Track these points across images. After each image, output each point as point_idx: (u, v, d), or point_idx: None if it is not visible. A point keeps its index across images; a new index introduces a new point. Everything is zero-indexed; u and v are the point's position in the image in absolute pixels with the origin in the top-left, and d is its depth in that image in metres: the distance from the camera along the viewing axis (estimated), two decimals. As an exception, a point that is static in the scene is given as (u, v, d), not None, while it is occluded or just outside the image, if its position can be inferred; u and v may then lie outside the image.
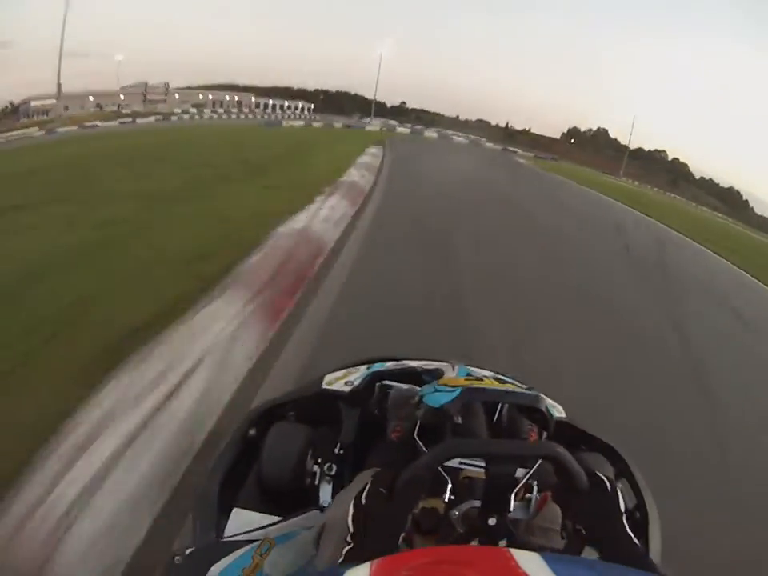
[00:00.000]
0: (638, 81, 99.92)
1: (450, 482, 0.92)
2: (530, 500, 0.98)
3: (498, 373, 1.57)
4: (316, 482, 1.21)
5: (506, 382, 1.34)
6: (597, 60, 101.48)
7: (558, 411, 1.63)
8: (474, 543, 0.88)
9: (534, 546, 0.90)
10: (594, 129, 68.53)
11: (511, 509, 0.90)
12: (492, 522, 0.88)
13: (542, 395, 1.24)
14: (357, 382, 1.44)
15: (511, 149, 46.25)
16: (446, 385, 1.21)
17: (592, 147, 63.08)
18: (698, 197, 52.64)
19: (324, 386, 1.49)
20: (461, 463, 1.09)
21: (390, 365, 1.57)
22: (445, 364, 1.46)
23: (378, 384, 1.43)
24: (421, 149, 26.61)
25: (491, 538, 0.88)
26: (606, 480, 0.88)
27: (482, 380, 1.26)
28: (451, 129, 57.65)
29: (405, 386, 1.39)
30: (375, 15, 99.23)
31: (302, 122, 40.30)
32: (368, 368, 1.56)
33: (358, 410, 1.34)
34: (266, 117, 48.81)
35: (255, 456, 1.30)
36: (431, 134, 50.65)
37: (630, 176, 52.15)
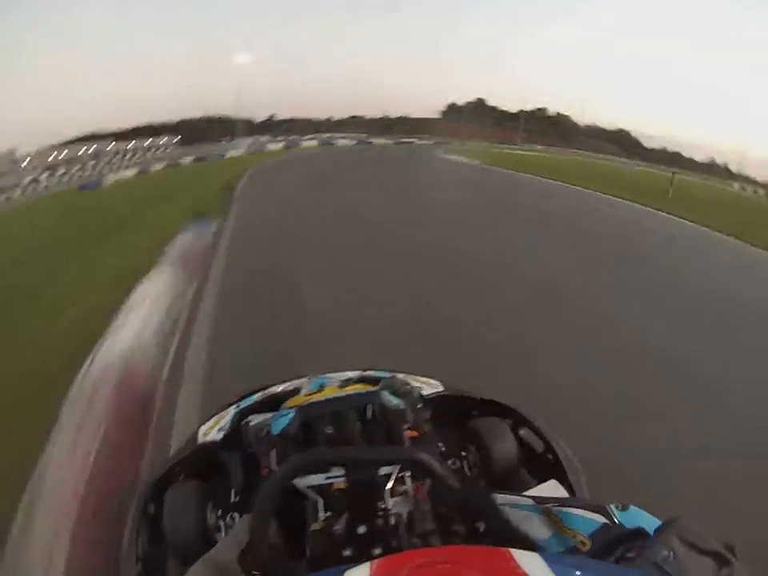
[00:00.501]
0: (503, 48, 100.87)
1: (320, 499, 1.01)
2: (406, 492, 1.02)
3: (364, 370, 1.72)
4: (223, 535, 1.18)
5: (357, 383, 1.47)
6: (462, 34, 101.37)
7: (433, 387, 1.70)
8: (347, 553, 0.91)
9: (416, 543, 0.94)
10: (474, 100, 66.71)
11: (390, 506, 0.97)
12: (362, 530, 0.93)
13: (398, 383, 1.35)
14: (227, 426, 1.47)
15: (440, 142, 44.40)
16: (288, 407, 1.29)
17: (476, 119, 61.24)
18: (600, 147, 52.67)
19: (200, 440, 1.52)
20: (327, 478, 1.09)
21: (256, 396, 1.60)
22: (304, 380, 1.57)
23: (243, 422, 1.38)
24: (299, 180, 17.81)
25: (364, 547, 0.91)
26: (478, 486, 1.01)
27: (323, 389, 1.38)
28: (328, 132, 53.56)
29: (261, 418, 1.32)
30: (226, 29, 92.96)
31: (135, 171, 31.03)
32: (237, 407, 1.58)
33: (238, 453, 1.31)
34: (108, 161, 41.71)
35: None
36: (309, 142, 46.52)
37: (527, 141, 53.08)
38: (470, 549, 0.82)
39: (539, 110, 64.54)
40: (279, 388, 1.62)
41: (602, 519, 1.03)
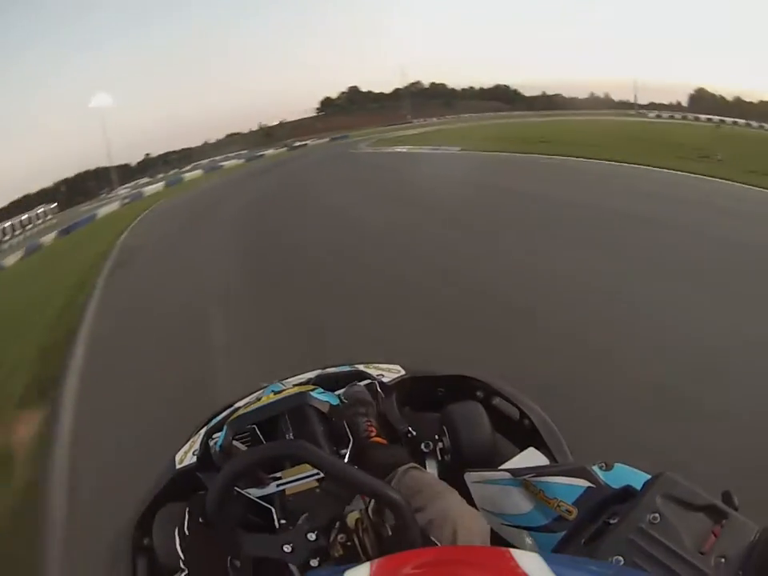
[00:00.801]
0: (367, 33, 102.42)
1: (273, 509, 1.06)
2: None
3: (324, 368, 1.82)
4: None
5: (293, 387, 1.52)
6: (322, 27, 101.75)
7: (394, 372, 1.72)
8: (286, 548, 0.93)
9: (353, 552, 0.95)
10: (347, 89, 66.35)
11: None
12: (311, 537, 0.95)
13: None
14: (198, 449, 1.49)
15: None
16: (231, 420, 1.31)
17: (355, 108, 61.10)
18: (483, 106, 54.18)
19: (177, 466, 1.55)
20: (278, 485, 1.12)
21: (224, 414, 1.61)
22: (260, 390, 1.62)
23: (208, 442, 1.46)
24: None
25: (304, 552, 0.94)
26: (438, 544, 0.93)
27: (260, 399, 1.40)
28: (208, 157, 51.01)
29: (220, 435, 1.37)
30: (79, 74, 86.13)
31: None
32: (206, 428, 1.58)
33: (214, 473, 1.27)
34: None
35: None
36: (192, 173, 38.38)
37: (418, 117, 51.86)
38: (471, 549, 0.87)
39: (413, 84, 65.36)
40: (243, 401, 1.63)
41: (585, 483, 1.05)
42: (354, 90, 67.26)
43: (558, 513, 1.06)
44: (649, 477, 0.93)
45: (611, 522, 0.88)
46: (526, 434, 1.51)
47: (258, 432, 1.32)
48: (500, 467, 1.36)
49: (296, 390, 1.44)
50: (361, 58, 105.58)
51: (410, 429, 1.53)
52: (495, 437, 1.50)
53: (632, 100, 50.26)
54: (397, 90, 62.67)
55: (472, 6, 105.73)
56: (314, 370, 1.81)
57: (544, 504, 1.11)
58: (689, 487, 0.85)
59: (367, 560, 0.88)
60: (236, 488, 1.11)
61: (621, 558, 0.76)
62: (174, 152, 59.93)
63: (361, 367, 1.81)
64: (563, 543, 1.02)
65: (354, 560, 0.93)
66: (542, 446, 1.43)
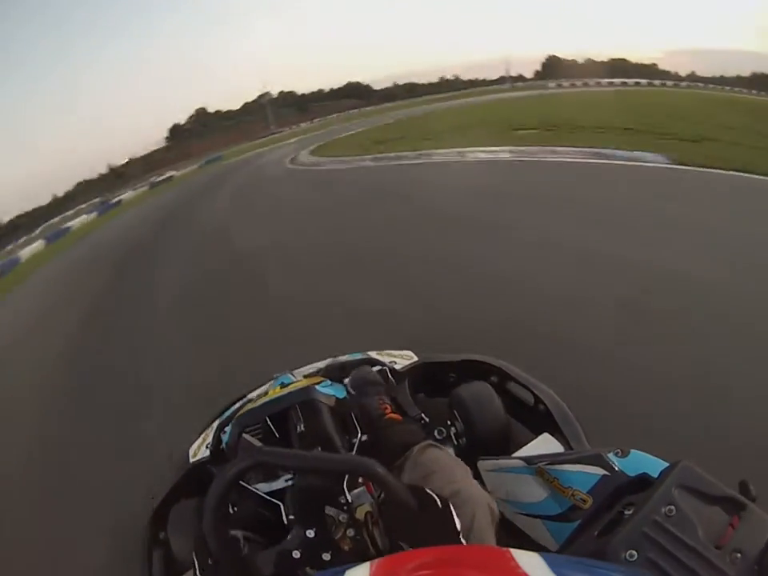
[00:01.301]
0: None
1: (281, 504, 1.04)
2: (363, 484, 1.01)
3: (334, 357, 1.80)
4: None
5: (299, 381, 1.49)
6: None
7: (406, 359, 1.72)
8: (295, 554, 0.91)
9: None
10: (194, 112, 63.28)
11: (351, 500, 0.97)
12: (310, 533, 0.93)
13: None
14: (211, 442, 1.50)
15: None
16: (239, 415, 1.36)
17: (210, 130, 58.59)
18: (339, 105, 54.55)
19: (191, 460, 1.56)
20: (287, 480, 1.12)
21: (235, 407, 1.62)
22: (271, 381, 1.62)
23: (221, 435, 1.47)
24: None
25: (313, 550, 0.91)
26: (436, 497, 0.87)
27: (266, 393, 1.44)
28: (61, 213, 44.73)
29: (228, 432, 1.40)
30: None
31: None
32: (218, 421, 1.60)
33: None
34: None
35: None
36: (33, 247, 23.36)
37: (280, 126, 50.23)
38: (471, 548, 0.83)
39: (262, 96, 63.96)
40: (255, 393, 1.65)
41: (600, 471, 1.02)
42: (202, 112, 64.23)
43: (573, 502, 1.06)
44: (665, 464, 0.92)
45: (626, 512, 0.87)
46: (540, 419, 1.49)
47: (270, 424, 1.31)
48: (514, 455, 1.36)
49: (304, 383, 1.43)
50: (205, 78, 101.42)
51: (422, 415, 1.51)
52: (509, 419, 1.50)
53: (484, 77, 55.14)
54: (246, 105, 61.18)
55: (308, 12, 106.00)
56: (325, 359, 1.81)
57: (558, 492, 1.10)
58: (706, 477, 0.83)
59: (377, 553, 0.92)
60: (244, 483, 1.11)
61: (635, 552, 0.75)
62: (23, 215, 52.11)
63: (373, 354, 1.82)
64: (577, 533, 1.03)
65: (363, 554, 0.93)
66: (556, 432, 1.41)
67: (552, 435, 1.42)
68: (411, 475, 1.21)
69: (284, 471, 1.13)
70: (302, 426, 1.26)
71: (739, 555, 0.72)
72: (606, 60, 54.11)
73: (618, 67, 49.96)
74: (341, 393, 1.40)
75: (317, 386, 1.37)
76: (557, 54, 58.59)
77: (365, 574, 0.59)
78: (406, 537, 0.85)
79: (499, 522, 1.14)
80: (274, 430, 1.31)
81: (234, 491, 1.08)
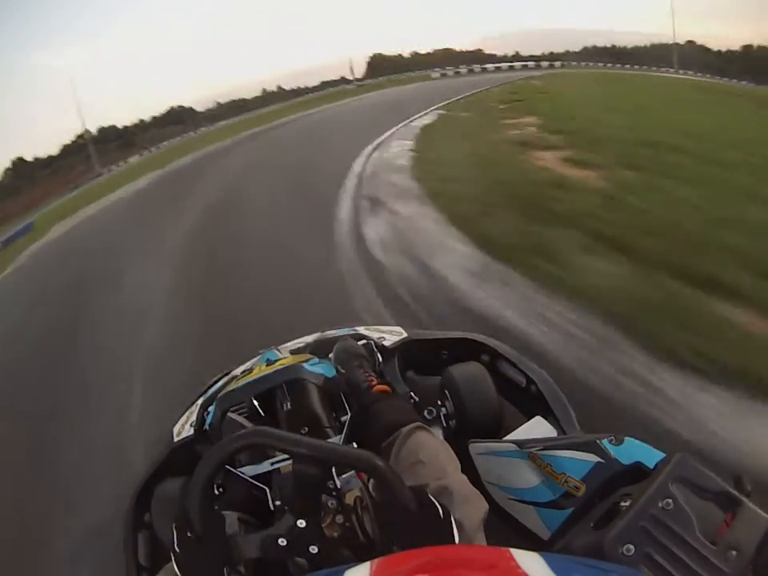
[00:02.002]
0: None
1: (267, 490, 1.00)
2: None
3: (323, 332, 1.76)
4: None
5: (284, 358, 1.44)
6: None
7: (395, 335, 1.65)
8: (281, 541, 0.87)
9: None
10: (11, 165, 55.03)
11: (340, 486, 0.93)
12: (302, 524, 0.88)
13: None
14: (195, 420, 1.46)
15: None
16: (225, 393, 1.34)
17: (28, 182, 51.41)
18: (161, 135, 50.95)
19: (175, 439, 1.52)
20: (272, 464, 1.08)
21: (219, 384, 1.57)
22: (257, 357, 1.57)
23: (205, 414, 1.42)
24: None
25: (301, 541, 0.87)
26: (438, 505, 0.84)
27: (251, 371, 1.40)
28: None
29: (212, 412, 1.38)
30: None
31: None
32: (202, 398, 1.55)
33: (211, 444, 1.28)
34: None
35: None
36: None
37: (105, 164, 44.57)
38: (471, 548, 0.84)
39: (80, 136, 57.62)
40: (239, 369, 1.58)
41: (594, 458, 1.01)
42: (19, 163, 56.04)
43: (566, 488, 1.05)
44: (660, 453, 0.93)
45: (622, 504, 0.87)
46: (532, 401, 1.47)
47: (256, 403, 1.27)
48: (506, 438, 1.34)
49: (289, 360, 1.39)
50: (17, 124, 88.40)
51: (412, 394, 1.46)
52: (501, 401, 1.46)
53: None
54: (65, 147, 54.72)
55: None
56: (313, 333, 1.76)
57: (551, 479, 1.09)
58: (702, 470, 0.83)
59: (366, 539, 0.92)
60: (230, 468, 1.08)
61: (632, 547, 0.74)
62: None
63: (361, 329, 1.76)
64: (570, 522, 1.02)
65: (351, 540, 0.92)
66: (549, 415, 1.39)
67: (544, 418, 1.41)
68: (397, 462, 1.17)
69: (278, 454, 1.07)
70: (289, 404, 1.23)
71: (735, 552, 0.73)
72: (431, 51, 57.38)
73: (445, 57, 53.02)
74: (329, 371, 1.36)
75: (304, 364, 1.33)
76: (381, 52, 60.52)
77: (365, 573, 0.59)
78: (400, 539, 0.82)
79: (491, 508, 1.13)
80: (259, 408, 1.27)
81: (219, 473, 1.07)
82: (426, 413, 1.49)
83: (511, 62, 43.04)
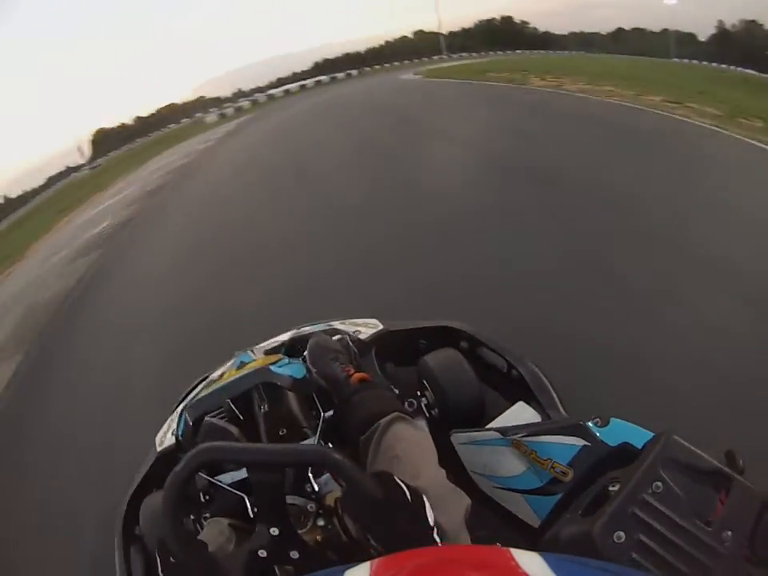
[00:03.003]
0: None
1: (245, 497, 0.95)
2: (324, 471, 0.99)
3: (298, 328, 1.73)
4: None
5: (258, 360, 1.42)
6: None
7: (371, 327, 1.65)
8: (261, 553, 0.85)
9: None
10: None
11: (317, 489, 0.95)
12: (274, 531, 0.86)
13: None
14: (176, 428, 1.42)
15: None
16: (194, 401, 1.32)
17: None
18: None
19: (158, 448, 1.52)
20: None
21: (198, 389, 1.54)
22: (231, 362, 1.53)
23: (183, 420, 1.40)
24: None
25: (280, 548, 0.86)
26: (404, 487, 0.81)
27: (223, 376, 1.38)
28: None
29: (182, 422, 1.36)
30: None
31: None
32: (181, 406, 1.53)
33: None
34: None
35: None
36: None
37: None
38: (471, 548, 0.84)
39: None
40: (216, 373, 1.56)
41: (580, 442, 0.99)
42: None
43: (553, 474, 1.04)
44: (647, 432, 0.91)
45: (611, 489, 0.84)
46: (514, 387, 1.45)
47: (233, 407, 1.26)
48: (488, 426, 1.32)
49: (259, 363, 1.39)
50: None
51: (391, 387, 1.44)
52: (482, 387, 1.45)
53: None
54: None
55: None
56: (288, 331, 1.76)
57: (537, 465, 1.08)
58: (691, 449, 0.81)
59: (349, 541, 0.90)
60: (205, 476, 1.07)
61: (622, 534, 0.73)
62: None
63: (336, 324, 1.75)
64: (560, 508, 1.01)
65: (334, 544, 0.90)
66: (532, 400, 1.37)
67: (527, 403, 1.40)
68: (376, 456, 1.14)
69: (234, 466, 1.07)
70: (266, 406, 1.23)
71: (730, 532, 0.72)
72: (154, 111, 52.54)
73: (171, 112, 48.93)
74: (298, 371, 1.34)
75: (271, 366, 1.31)
76: (102, 126, 53.50)
77: (365, 573, 0.58)
78: (372, 529, 0.79)
79: (478, 498, 1.12)
80: (237, 412, 1.25)
81: (199, 479, 1.09)
82: (406, 405, 1.48)
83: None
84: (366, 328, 1.66)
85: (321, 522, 0.93)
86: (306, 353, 1.44)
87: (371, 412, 1.21)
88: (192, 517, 1.12)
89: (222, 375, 1.42)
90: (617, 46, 37.91)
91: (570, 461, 1.00)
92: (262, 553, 0.85)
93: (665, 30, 35.79)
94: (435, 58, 39.76)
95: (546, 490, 1.06)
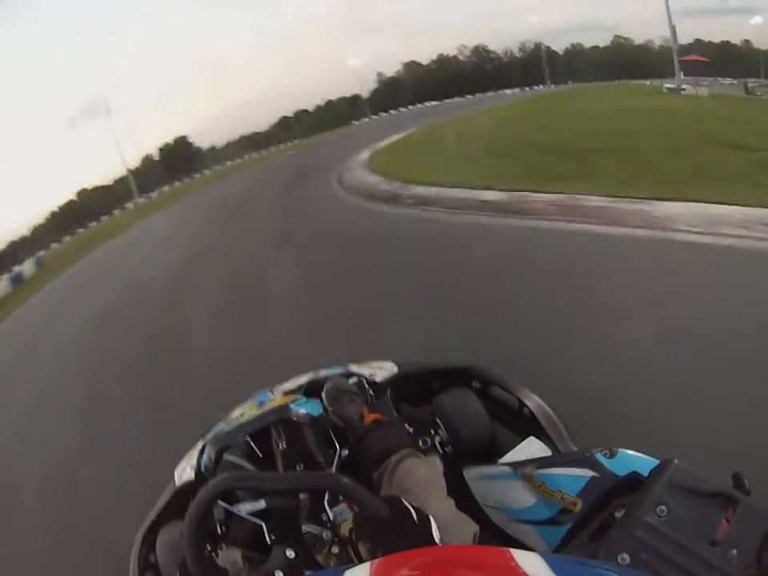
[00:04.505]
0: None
1: (263, 524, 0.99)
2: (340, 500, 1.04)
3: (317, 371, 1.77)
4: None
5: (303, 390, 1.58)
6: None
7: (386, 370, 1.69)
8: (278, 574, 0.86)
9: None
10: None
11: (333, 518, 1.00)
12: (290, 554, 0.89)
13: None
14: (196, 463, 1.48)
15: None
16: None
17: None
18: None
19: (177, 482, 1.54)
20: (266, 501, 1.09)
21: (219, 426, 1.56)
22: (251, 400, 1.61)
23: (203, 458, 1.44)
24: None
25: (296, 570, 0.88)
26: (411, 509, 0.85)
27: (243, 414, 1.45)
28: None
29: (205, 455, 1.41)
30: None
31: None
32: (202, 441, 1.56)
33: None
34: None
35: None
36: None
37: None
38: (471, 548, 0.86)
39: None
40: (236, 411, 1.59)
41: (589, 473, 1.00)
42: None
43: (563, 505, 1.05)
44: (654, 461, 0.91)
45: (616, 515, 0.85)
46: (525, 423, 1.49)
47: (252, 443, 1.31)
48: (500, 461, 1.36)
49: (279, 401, 1.44)
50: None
51: (405, 426, 1.48)
52: (493, 424, 1.50)
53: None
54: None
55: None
56: (306, 373, 1.81)
57: (547, 497, 1.09)
58: (696, 474, 0.82)
59: None
60: (224, 505, 1.09)
61: (627, 556, 0.73)
62: None
63: (353, 367, 1.80)
64: (568, 537, 1.01)
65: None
66: (542, 435, 1.41)
67: (537, 438, 1.43)
68: (388, 491, 1.18)
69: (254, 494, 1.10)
70: (284, 443, 1.27)
71: (735, 551, 0.71)
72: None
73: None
74: (315, 409, 1.39)
75: (291, 404, 1.36)
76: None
77: (365, 574, 0.59)
78: (381, 548, 0.81)
79: (492, 531, 1.14)
80: (256, 449, 1.29)
81: (217, 511, 1.12)
82: (420, 443, 1.53)
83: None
84: (382, 371, 1.71)
85: (335, 550, 0.96)
86: (322, 394, 1.49)
87: (383, 449, 1.26)
88: (209, 548, 1.13)
89: (242, 414, 1.47)
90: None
91: (579, 492, 1.01)
92: (279, 574, 0.88)
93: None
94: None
95: (556, 521, 1.08)
